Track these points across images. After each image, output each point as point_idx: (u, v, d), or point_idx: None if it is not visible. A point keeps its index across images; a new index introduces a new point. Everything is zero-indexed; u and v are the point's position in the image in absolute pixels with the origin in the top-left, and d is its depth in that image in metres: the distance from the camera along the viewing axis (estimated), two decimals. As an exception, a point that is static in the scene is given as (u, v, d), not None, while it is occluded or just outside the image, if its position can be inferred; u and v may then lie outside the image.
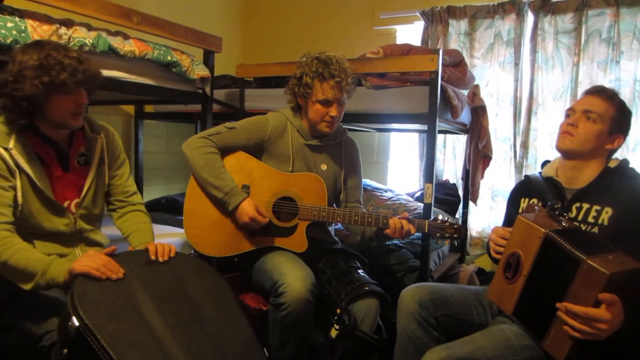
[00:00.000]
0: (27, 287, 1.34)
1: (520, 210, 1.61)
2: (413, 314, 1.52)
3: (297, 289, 1.62)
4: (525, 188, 1.65)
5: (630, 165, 1.50)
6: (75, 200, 1.57)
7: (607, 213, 1.40)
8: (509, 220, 1.68)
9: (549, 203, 1.48)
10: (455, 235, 1.75)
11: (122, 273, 1.38)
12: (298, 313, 1.62)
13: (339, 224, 2.16)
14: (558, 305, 1.20)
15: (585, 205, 1.45)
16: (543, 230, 1.28)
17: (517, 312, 1.36)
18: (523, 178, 1.72)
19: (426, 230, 1.76)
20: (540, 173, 1.63)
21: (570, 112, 1.52)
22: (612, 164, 1.49)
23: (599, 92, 1.50)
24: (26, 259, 1.34)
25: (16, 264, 1.32)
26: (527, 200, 1.61)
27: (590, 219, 1.42)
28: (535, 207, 1.44)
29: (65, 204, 1.54)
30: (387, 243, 2.41)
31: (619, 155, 2.71)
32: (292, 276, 1.65)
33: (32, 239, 1.47)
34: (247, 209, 1.76)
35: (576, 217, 1.45)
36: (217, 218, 1.85)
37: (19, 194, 1.41)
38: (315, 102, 1.82)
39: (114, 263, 1.40)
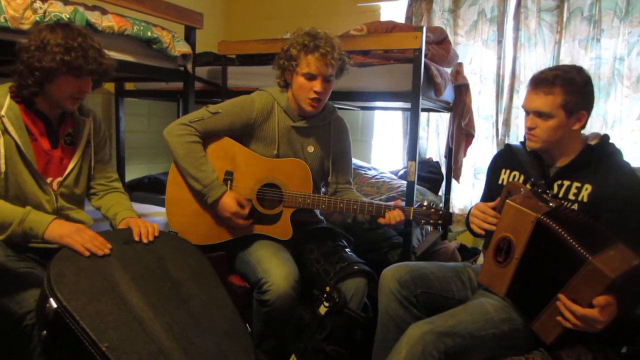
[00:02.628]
0: (1, 237, 1.35)
1: (500, 182, 1.62)
2: (394, 293, 1.55)
3: (281, 287, 1.62)
4: (506, 158, 1.65)
5: (611, 141, 1.51)
6: (58, 179, 1.57)
7: (586, 190, 1.42)
8: (490, 190, 1.70)
9: (532, 179, 1.50)
10: (439, 222, 1.76)
11: (108, 249, 1.39)
12: (281, 309, 1.64)
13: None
14: (560, 296, 1.23)
15: (566, 183, 1.46)
16: (534, 214, 1.30)
17: (509, 294, 1.39)
18: (504, 147, 1.71)
19: (411, 218, 1.77)
20: (522, 143, 1.62)
21: (525, 111, 1.50)
22: (592, 142, 1.50)
23: (538, 85, 1.44)
24: None
25: None
26: (508, 171, 1.62)
27: (571, 196, 1.44)
28: (521, 189, 1.44)
29: (48, 180, 1.55)
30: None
31: (599, 131, 2.76)
32: (276, 274, 1.64)
33: None
34: (228, 204, 1.74)
35: (557, 195, 1.46)
36: (199, 205, 1.83)
37: (2, 161, 1.43)
38: (299, 76, 1.77)
39: (101, 239, 1.41)
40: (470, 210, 1.59)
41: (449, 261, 2.75)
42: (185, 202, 1.83)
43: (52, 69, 1.40)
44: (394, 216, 1.74)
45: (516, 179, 1.58)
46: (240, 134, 1.87)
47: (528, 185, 1.52)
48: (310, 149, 1.90)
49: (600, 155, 1.45)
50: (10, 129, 1.44)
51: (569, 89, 1.41)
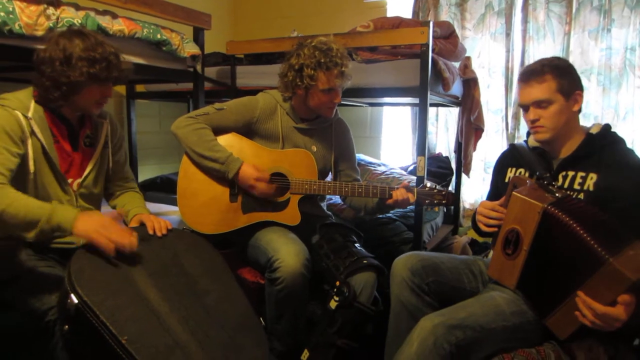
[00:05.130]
0: (30, 235, 1.35)
1: (506, 180, 1.63)
2: (406, 281, 1.56)
3: (291, 263, 1.65)
4: (511, 157, 1.66)
5: (613, 130, 1.51)
6: (78, 180, 1.61)
7: (591, 179, 1.42)
8: (496, 189, 1.71)
9: (537, 173, 1.50)
10: (443, 202, 1.78)
11: (135, 239, 1.39)
12: (293, 287, 1.66)
13: (337, 199, 2.19)
14: (579, 293, 1.21)
15: (571, 173, 1.47)
16: (540, 204, 1.30)
17: (520, 286, 1.39)
18: (508, 147, 1.73)
19: (415, 198, 1.79)
20: (526, 142, 1.64)
21: (523, 107, 1.53)
22: (594, 130, 1.50)
23: (529, 78, 1.48)
24: (25, 207, 1.34)
25: (15, 212, 1.32)
26: (514, 169, 1.63)
27: (576, 186, 1.44)
28: (527, 181, 1.45)
29: (69, 181, 1.58)
30: (380, 216, 2.45)
31: (611, 123, 2.74)
32: (285, 251, 1.68)
33: None
34: (248, 172, 1.79)
35: (562, 185, 1.47)
36: (210, 196, 1.87)
37: (31, 162, 1.46)
38: (319, 92, 1.82)
39: (126, 232, 1.41)
40: (476, 210, 1.60)
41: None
42: (196, 195, 1.88)
43: (79, 83, 1.43)
44: (400, 194, 1.77)
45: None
46: (244, 132, 1.92)
47: (533, 179, 1.52)
48: (314, 148, 1.95)
49: (603, 143, 1.46)
50: (37, 130, 1.47)
51: (558, 73, 1.46)
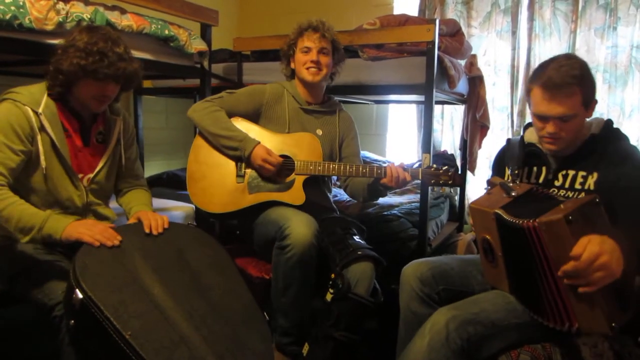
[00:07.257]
0: (24, 240, 1.40)
1: (506, 178, 1.58)
2: (415, 291, 1.53)
3: (302, 231, 1.68)
4: (504, 155, 1.62)
5: (616, 127, 1.47)
6: (89, 175, 1.62)
7: (592, 178, 1.39)
8: None
9: (509, 169, 1.48)
10: (449, 182, 1.77)
11: (118, 240, 1.42)
12: (302, 255, 1.67)
13: (343, 195, 2.20)
14: (559, 275, 1.13)
15: (571, 172, 1.44)
16: (491, 211, 1.27)
17: (512, 291, 1.36)
18: (505, 143, 1.66)
19: (420, 178, 1.80)
20: (522, 137, 1.59)
21: (540, 117, 1.41)
22: (595, 128, 1.45)
23: (555, 92, 1.35)
24: (20, 212, 1.39)
25: (9, 216, 1.37)
26: (509, 169, 1.58)
27: (577, 186, 1.42)
28: (498, 183, 1.41)
29: (80, 176, 1.59)
30: (385, 213, 2.45)
31: (616, 120, 2.71)
32: (297, 220, 1.71)
33: (47, 209, 1.51)
34: (260, 153, 1.86)
35: (563, 185, 1.44)
36: (217, 177, 1.94)
37: (42, 157, 1.48)
38: (298, 53, 1.96)
39: (111, 231, 1.44)
40: None
41: (465, 253, 2.75)
42: (204, 177, 1.96)
43: (71, 73, 1.45)
44: (395, 171, 1.78)
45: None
46: (254, 117, 2.00)
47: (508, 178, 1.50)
48: (319, 131, 2.00)
49: (605, 142, 1.42)
50: (47, 125, 1.48)
51: (584, 83, 1.36)
